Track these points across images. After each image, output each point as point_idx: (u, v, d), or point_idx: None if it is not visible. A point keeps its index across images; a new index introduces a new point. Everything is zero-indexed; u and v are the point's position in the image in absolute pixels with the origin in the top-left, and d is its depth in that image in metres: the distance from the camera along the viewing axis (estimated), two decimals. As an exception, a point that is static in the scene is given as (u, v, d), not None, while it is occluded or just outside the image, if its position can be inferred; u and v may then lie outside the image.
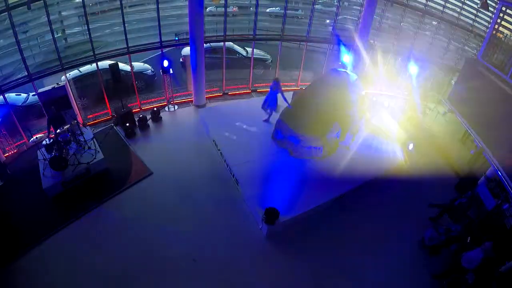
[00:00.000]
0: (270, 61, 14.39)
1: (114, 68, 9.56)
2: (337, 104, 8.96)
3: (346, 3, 13.02)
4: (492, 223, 7.88)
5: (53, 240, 6.99)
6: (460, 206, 7.90)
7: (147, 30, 10.46)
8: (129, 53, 10.30)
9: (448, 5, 12.93)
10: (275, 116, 9.95)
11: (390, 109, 12.22)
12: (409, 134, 10.90)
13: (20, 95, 10.58)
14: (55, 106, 8.21)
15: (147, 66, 12.86)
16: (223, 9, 11.11)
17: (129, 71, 11.15)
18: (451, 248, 7.37)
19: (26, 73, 8.88)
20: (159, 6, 9.91)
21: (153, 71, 12.82)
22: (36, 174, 7.93)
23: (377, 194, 8.85)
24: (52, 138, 8.02)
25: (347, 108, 9.23)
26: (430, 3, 12.84)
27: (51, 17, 8.66)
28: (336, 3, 12.48)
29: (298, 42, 14.79)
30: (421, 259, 7.48)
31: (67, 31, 9.86)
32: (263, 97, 10.50)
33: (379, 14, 12.78)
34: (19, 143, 9.60)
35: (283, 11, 11.95)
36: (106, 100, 10.79)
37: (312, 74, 14.45)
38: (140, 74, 12.20)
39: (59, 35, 9.52)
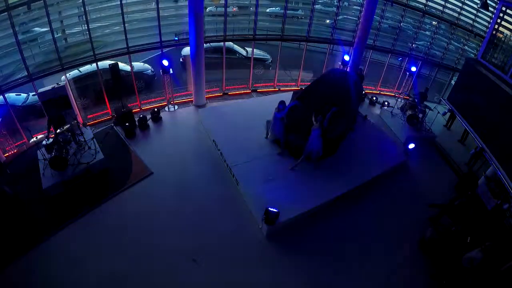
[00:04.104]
0: (270, 61, 14.39)
1: (114, 68, 9.55)
2: (337, 104, 8.96)
3: (346, 3, 13.03)
4: (492, 223, 7.89)
5: (53, 240, 6.97)
6: (460, 206, 7.89)
7: (147, 30, 10.46)
8: (129, 53, 10.31)
9: (448, 5, 12.96)
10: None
11: (390, 108, 12.24)
12: (410, 134, 10.89)
13: (20, 95, 10.57)
14: (55, 107, 8.20)
15: (147, 66, 12.86)
16: (223, 9, 11.12)
17: (129, 71, 11.14)
18: (451, 249, 7.36)
19: (26, 73, 8.89)
20: (159, 6, 9.92)
21: (153, 71, 12.81)
22: (36, 174, 7.92)
23: (377, 194, 8.85)
24: (52, 138, 8.02)
25: (347, 108, 9.24)
26: (430, 3, 12.86)
27: (51, 18, 8.66)
28: (336, 3, 12.50)
29: (298, 42, 14.80)
30: (421, 259, 7.48)
31: (67, 31, 9.86)
32: (263, 97, 10.43)
33: (379, 14, 12.79)
34: (19, 143, 9.59)
35: (283, 11, 11.96)
36: (106, 100, 10.79)
37: (312, 74, 14.47)
38: (140, 74, 12.20)
39: (59, 35, 9.53)
